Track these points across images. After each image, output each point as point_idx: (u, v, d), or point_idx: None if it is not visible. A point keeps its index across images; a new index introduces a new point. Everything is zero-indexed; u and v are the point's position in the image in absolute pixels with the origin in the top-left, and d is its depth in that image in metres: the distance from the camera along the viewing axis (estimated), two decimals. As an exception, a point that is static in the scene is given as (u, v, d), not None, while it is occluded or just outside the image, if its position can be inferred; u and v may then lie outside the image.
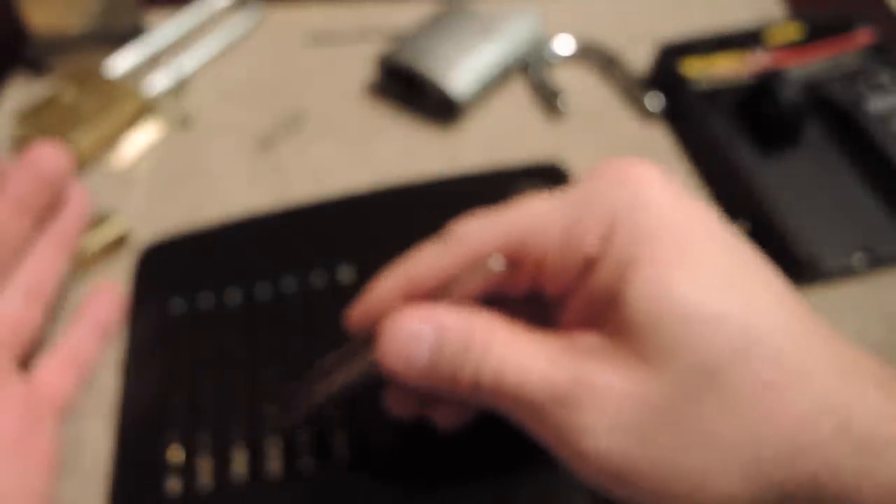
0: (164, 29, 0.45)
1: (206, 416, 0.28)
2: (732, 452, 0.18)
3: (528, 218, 0.21)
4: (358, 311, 0.24)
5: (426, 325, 0.20)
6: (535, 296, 0.22)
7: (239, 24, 0.47)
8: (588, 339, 0.20)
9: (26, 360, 0.29)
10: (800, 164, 0.38)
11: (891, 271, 0.34)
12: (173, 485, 0.26)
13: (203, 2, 0.47)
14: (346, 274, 0.32)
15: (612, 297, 0.19)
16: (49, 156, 0.30)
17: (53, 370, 0.29)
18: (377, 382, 0.23)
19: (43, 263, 0.30)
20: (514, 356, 0.19)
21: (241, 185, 0.38)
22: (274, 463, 0.27)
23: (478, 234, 0.21)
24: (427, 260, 0.22)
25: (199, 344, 0.30)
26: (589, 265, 0.20)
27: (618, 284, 0.19)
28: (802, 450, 0.17)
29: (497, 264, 0.21)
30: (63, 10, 0.41)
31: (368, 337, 0.22)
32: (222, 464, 0.27)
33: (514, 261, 0.21)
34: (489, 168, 0.37)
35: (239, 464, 0.27)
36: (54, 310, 0.31)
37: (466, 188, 0.36)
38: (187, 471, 0.27)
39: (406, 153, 0.40)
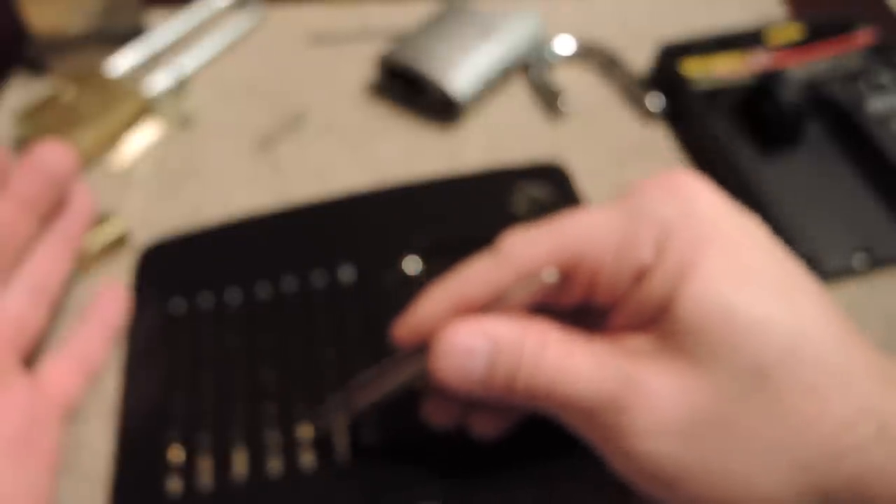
0: (164, 29, 0.45)
1: (206, 416, 0.28)
2: (778, 454, 0.18)
3: (581, 231, 0.21)
4: (406, 327, 0.24)
5: (480, 340, 0.21)
6: (581, 305, 0.23)
7: (239, 24, 0.47)
8: (636, 342, 0.20)
9: (29, 360, 0.29)
10: (800, 165, 0.38)
11: (891, 271, 0.34)
12: (174, 484, 0.26)
13: (203, 2, 0.47)
14: (346, 274, 0.32)
15: (663, 304, 0.20)
16: (55, 154, 0.30)
17: (60, 370, 0.29)
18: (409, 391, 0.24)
19: (48, 262, 0.30)
20: (565, 362, 0.20)
21: (241, 185, 0.38)
22: (275, 462, 0.27)
23: (530, 248, 0.21)
24: (478, 275, 0.22)
25: (199, 343, 0.30)
26: (641, 274, 0.20)
27: (670, 292, 0.19)
28: (845, 452, 0.18)
29: (550, 277, 0.21)
30: (63, 10, 0.41)
31: (416, 350, 0.23)
32: (223, 463, 0.27)
33: (567, 274, 0.21)
34: (490, 168, 0.37)
35: (240, 463, 0.27)
36: (56, 309, 0.31)
37: (468, 188, 0.36)
38: (188, 470, 0.27)
39: (406, 153, 0.40)
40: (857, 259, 0.33)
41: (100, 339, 0.30)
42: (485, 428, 0.24)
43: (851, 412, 0.18)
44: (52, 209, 0.31)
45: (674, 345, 0.19)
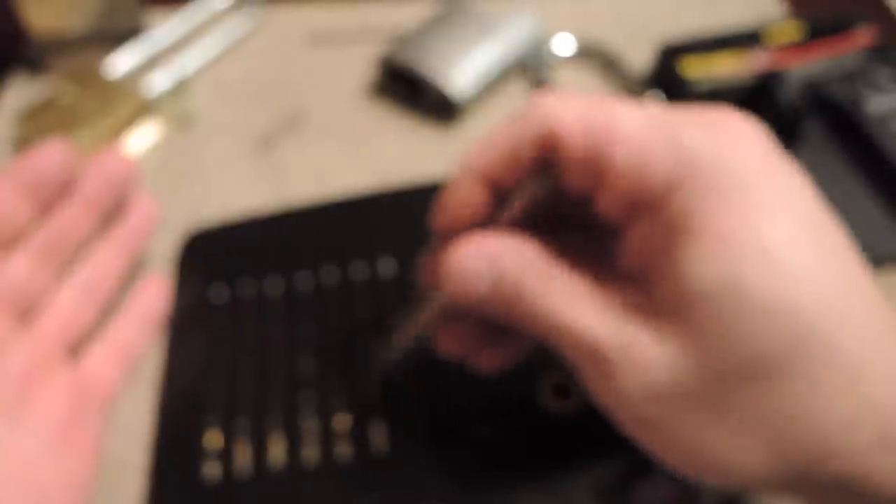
0: (164, 29, 0.45)
1: (244, 403, 0.28)
2: (761, 442, 0.17)
3: (614, 115, 0.20)
4: (444, 216, 0.24)
5: (483, 263, 0.21)
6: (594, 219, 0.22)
7: (239, 24, 0.47)
8: (636, 294, 0.19)
9: (75, 357, 0.29)
10: (799, 165, 0.38)
11: (891, 271, 0.34)
12: (211, 469, 0.27)
13: (203, 2, 0.47)
14: (387, 266, 0.32)
15: (663, 259, 0.18)
16: (116, 159, 0.31)
17: (102, 361, 0.29)
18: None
19: (104, 264, 0.30)
20: (564, 307, 0.20)
21: (241, 185, 0.38)
22: (311, 451, 0.27)
23: (558, 111, 0.21)
24: (500, 138, 0.22)
25: (239, 330, 0.31)
26: (650, 202, 0.19)
27: (672, 246, 0.18)
28: (836, 453, 0.17)
29: (545, 182, 0.22)
30: (63, 11, 0.41)
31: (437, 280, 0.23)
32: (260, 450, 0.27)
33: (588, 157, 0.20)
34: None
35: (277, 450, 0.27)
36: (107, 311, 0.31)
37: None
38: (226, 456, 0.27)
39: (406, 153, 0.40)
40: (857, 259, 0.33)
41: (140, 331, 0.31)
42: (487, 364, 0.24)
43: (853, 415, 0.17)
44: (113, 212, 0.31)
45: (672, 308, 0.18)
